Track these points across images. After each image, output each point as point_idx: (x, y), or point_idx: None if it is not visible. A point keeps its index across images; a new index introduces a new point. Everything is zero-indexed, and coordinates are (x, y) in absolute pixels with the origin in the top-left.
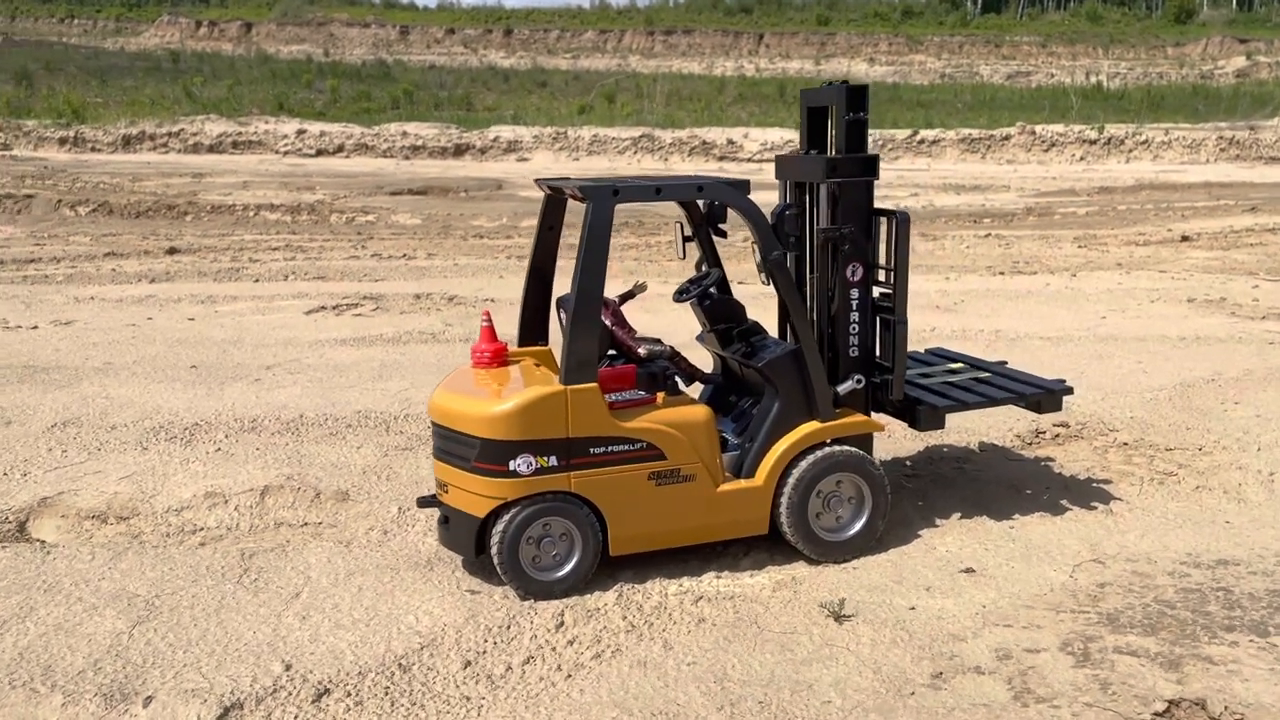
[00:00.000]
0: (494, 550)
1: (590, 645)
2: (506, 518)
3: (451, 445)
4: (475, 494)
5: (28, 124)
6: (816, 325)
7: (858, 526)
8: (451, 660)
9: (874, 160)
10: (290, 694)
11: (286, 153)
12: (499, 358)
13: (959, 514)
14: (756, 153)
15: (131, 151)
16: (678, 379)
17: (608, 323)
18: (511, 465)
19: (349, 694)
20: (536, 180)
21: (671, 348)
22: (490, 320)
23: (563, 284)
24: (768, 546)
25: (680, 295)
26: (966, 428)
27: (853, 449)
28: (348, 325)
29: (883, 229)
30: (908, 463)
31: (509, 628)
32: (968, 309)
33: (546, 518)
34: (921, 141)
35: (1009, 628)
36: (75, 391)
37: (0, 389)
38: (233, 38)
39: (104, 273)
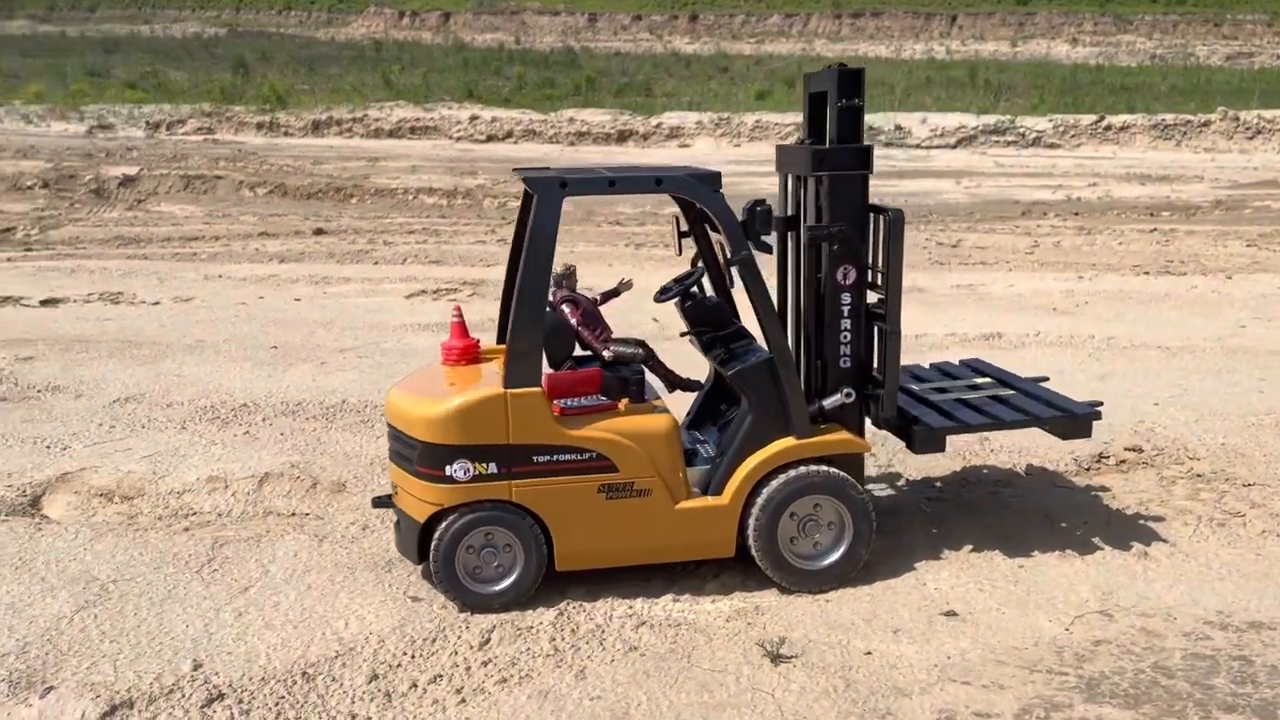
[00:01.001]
0: (430, 558)
1: (503, 668)
2: (443, 525)
3: (399, 446)
4: (416, 498)
5: (235, 109)
6: (805, 332)
7: (836, 555)
8: (359, 672)
9: (867, 152)
10: (184, 696)
11: (459, 138)
12: (468, 355)
13: (970, 546)
14: (925, 139)
15: (320, 136)
16: (651, 384)
17: (573, 321)
18: (448, 470)
19: (240, 701)
20: (514, 169)
21: (646, 351)
22: (461, 316)
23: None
24: (743, 570)
25: (662, 295)
26: (1020, 446)
27: (831, 470)
28: (439, 310)
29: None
30: (937, 483)
31: (434, 641)
32: (1089, 312)
33: (487, 527)
34: (1108, 128)
35: (966, 685)
36: (154, 368)
37: (90, 362)
38: (432, 27)
39: (247, 251)
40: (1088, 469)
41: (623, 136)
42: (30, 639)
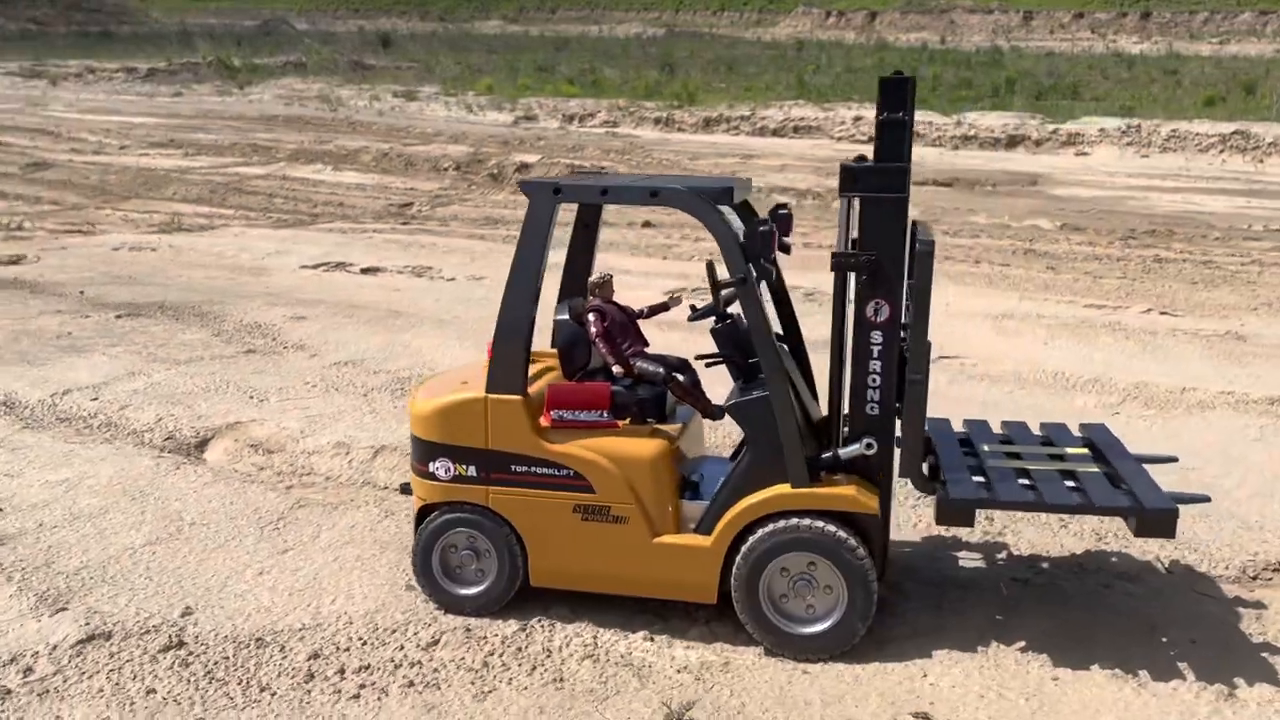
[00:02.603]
0: (410, 551)
1: (425, 673)
2: (425, 521)
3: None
4: (415, 492)
5: (645, 105)
6: (831, 371)
7: (826, 624)
8: (307, 648)
9: (901, 173)
10: (152, 639)
11: (840, 139)
12: None
13: (1021, 644)
14: None
15: (709, 133)
16: (669, 406)
17: (593, 330)
18: (431, 467)
19: (191, 654)
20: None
21: (670, 374)
22: None
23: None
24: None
25: (695, 314)
26: (1187, 538)
27: (825, 527)
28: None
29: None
30: (1044, 563)
31: (394, 632)
32: None
33: (467, 530)
34: None
35: None
36: (394, 337)
37: (347, 326)
38: (857, 26)
39: (567, 237)
40: (1254, 577)
41: (1012, 142)
42: (90, 562)
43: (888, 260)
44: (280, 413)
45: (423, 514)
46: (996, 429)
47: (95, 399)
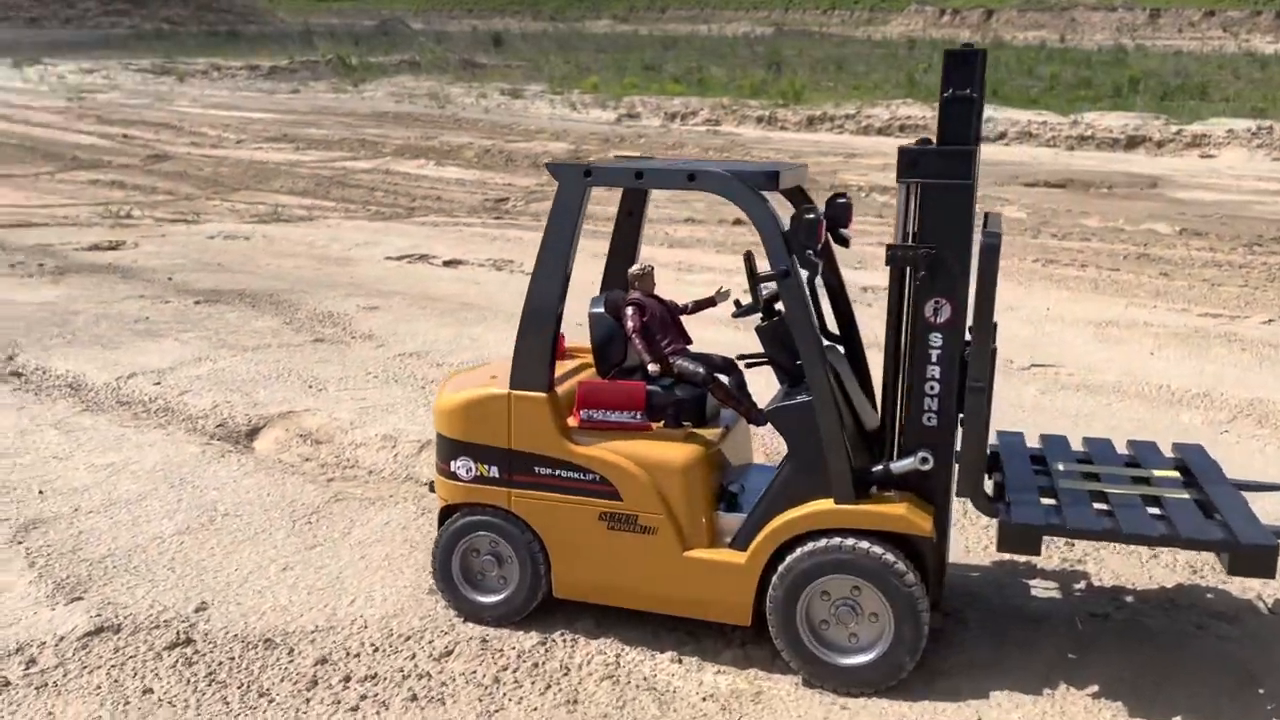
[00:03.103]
0: (431, 554)
1: (431, 687)
2: (447, 522)
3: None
4: (438, 491)
5: (750, 104)
6: (887, 376)
7: (869, 655)
8: (316, 651)
9: (967, 156)
10: (161, 633)
11: None
12: None
13: (1094, 688)
14: None
15: (812, 131)
16: (710, 409)
17: (629, 325)
18: (453, 466)
19: (197, 652)
20: (616, 157)
21: (711, 374)
22: None
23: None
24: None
25: (739, 311)
26: None
27: (870, 548)
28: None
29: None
30: (1129, 597)
31: (408, 639)
32: None
33: (489, 534)
34: None
35: None
36: (463, 329)
37: (419, 318)
38: (972, 25)
39: (657, 235)
40: None
41: (1132, 143)
42: (116, 550)
43: (950, 254)
44: (335, 403)
45: (445, 515)
46: (1078, 445)
47: (158, 383)
